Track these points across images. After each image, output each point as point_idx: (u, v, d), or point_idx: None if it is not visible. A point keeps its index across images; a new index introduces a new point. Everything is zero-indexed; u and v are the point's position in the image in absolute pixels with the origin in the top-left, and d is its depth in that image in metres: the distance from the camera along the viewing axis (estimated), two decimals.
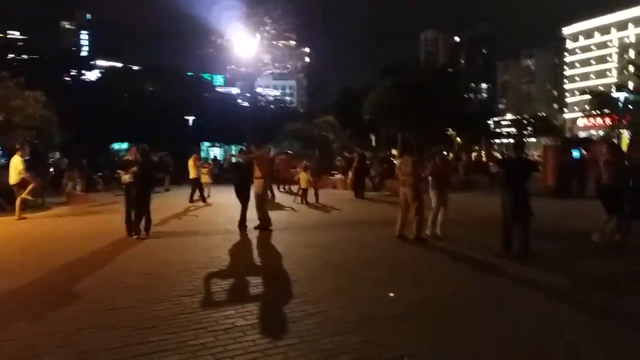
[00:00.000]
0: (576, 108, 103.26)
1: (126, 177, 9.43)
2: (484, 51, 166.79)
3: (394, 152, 31.91)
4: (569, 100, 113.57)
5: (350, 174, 19.44)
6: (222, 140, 40.86)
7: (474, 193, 17.98)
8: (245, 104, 42.36)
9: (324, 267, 7.11)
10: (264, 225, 10.00)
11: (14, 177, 12.43)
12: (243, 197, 9.95)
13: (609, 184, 8.18)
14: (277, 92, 75.30)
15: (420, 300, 5.50)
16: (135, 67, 46.14)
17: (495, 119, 50.22)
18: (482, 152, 33.00)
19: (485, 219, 11.04)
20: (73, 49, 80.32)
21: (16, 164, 12.44)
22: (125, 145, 42.45)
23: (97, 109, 33.78)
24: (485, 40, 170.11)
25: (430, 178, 9.45)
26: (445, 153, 11.16)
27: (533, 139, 55.47)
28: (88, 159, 23.82)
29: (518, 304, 5.48)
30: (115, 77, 43.40)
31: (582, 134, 55.49)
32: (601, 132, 47.35)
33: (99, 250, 8.46)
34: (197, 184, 15.81)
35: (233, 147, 46.65)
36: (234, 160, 15.33)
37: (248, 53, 26.64)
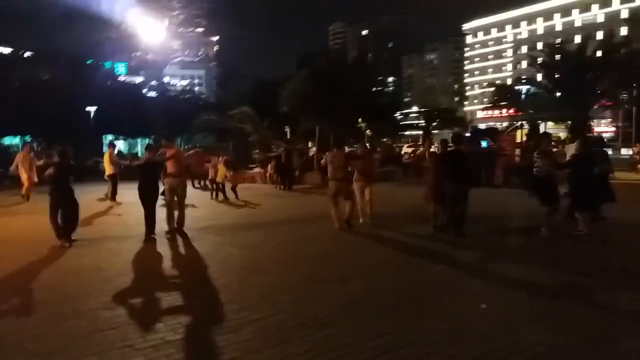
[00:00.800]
0: (475, 101, 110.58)
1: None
2: (390, 45, 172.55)
3: (310, 144, 31.92)
4: (468, 93, 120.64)
5: (270, 167, 19.08)
6: (127, 133, 38.38)
7: (392, 183, 18.31)
8: (153, 94, 40.16)
9: (255, 269, 6.72)
10: (180, 227, 9.14)
11: None
12: (151, 199, 8.66)
13: (543, 175, 8.27)
14: (185, 82, 72.45)
15: (364, 294, 5.32)
16: (26, 54, 42.07)
17: (404, 111, 51.92)
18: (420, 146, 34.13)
19: (408, 208, 11.37)
20: None
21: None
22: (16, 140, 38.69)
23: None
24: (391, 34, 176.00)
25: (355, 170, 9.79)
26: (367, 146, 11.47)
27: (436, 131, 58.25)
28: None
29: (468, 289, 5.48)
30: (3, 64, 39.35)
31: (481, 126, 59.16)
32: (503, 124, 50.70)
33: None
34: (115, 180, 14.46)
35: (139, 141, 44.30)
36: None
37: (155, 39, 25.26)
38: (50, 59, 39.44)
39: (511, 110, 48.08)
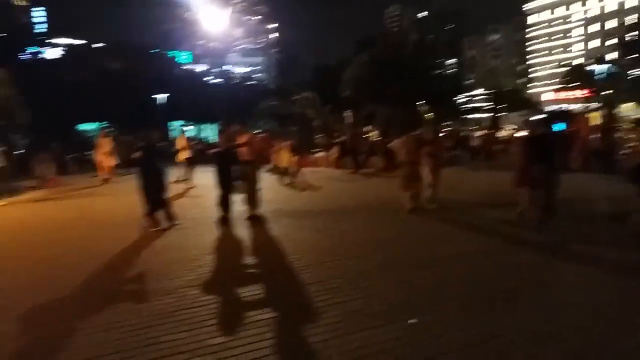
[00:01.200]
0: (542, 83, 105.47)
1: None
2: (449, 27, 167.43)
3: (370, 128, 31.56)
4: (533, 75, 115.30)
5: (334, 151, 19.09)
6: (193, 119, 39.55)
7: (460, 168, 17.82)
8: (217, 81, 41.07)
9: (330, 252, 6.68)
10: (256, 214, 9.16)
11: None
12: (227, 183, 8.78)
13: None
14: (247, 69, 73.56)
15: (448, 283, 5.18)
16: (98, 45, 44.07)
17: (468, 94, 50.03)
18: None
19: (483, 193, 11.05)
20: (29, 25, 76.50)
21: None
22: (93, 127, 40.91)
23: (60, 89, 32.22)
24: (450, 15, 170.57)
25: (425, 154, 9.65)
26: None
27: (503, 113, 55.86)
28: (57, 141, 22.70)
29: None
30: (78, 56, 41.41)
31: (552, 108, 56.44)
32: (575, 106, 48.09)
33: (86, 238, 7.86)
34: (190, 164, 15.02)
35: (204, 126, 45.55)
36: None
37: (218, 28, 25.66)
38: (120, 49, 41.17)
39: (585, 92, 45.41)
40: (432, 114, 42.13)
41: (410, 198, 9.31)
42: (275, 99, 28.34)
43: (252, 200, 9.09)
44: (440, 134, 12.23)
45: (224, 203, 8.70)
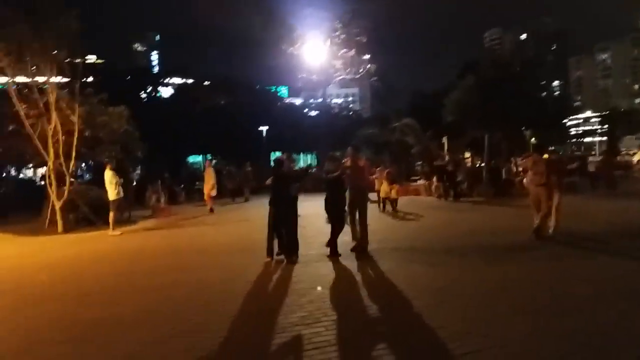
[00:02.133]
0: None
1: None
2: (553, 47, 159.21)
3: (467, 155, 30.22)
4: None
5: (434, 179, 18.34)
6: (292, 149, 40.71)
7: (582, 196, 16.24)
8: (313, 113, 42.09)
9: (449, 292, 6.10)
10: (363, 246, 8.62)
11: (112, 193, 12.38)
12: (337, 213, 8.39)
13: None
14: (344, 99, 74.97)
15: (599, 330, 4.40)
16: (206, 83, 47.14)
17: (577, 116, 46.57)
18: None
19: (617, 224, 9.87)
20: (148, 68, 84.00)
21: (110, 178, 12.39)
22: (199, 158, 43.40)
23: (172, 124, 34.47)
24: (553, 36, 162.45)
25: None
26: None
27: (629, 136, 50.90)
28: (167, 172, 24.15)
29: None
30: (187, 93, 44.42)
31: None
32: None
33: (200, 267, 7.92)
34: None
35: (302, 156, 46.59)
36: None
37: (317, 61, 26.17)
38: (224, 85, 43.58)
39: None
40: (534, 137, 39.63)
41: (540, 218, 9.06)
42: (373, 127, 28.21)
43: (361, 232, 8.67)
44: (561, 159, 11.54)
45: (335, 234, 8.35)
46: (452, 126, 21.81)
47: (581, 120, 79.32)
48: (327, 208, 8.49)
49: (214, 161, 33.49)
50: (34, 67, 12.92)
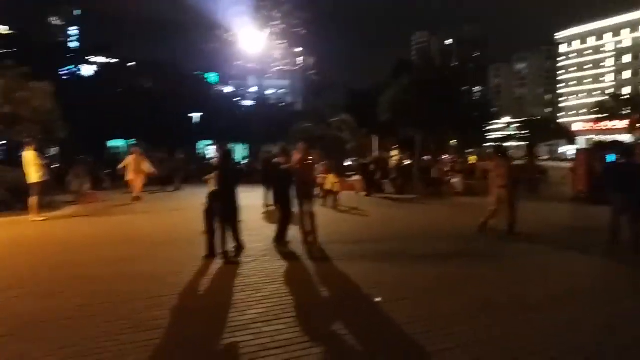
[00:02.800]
0: (572, 112, 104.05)
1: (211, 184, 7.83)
2: (475, 54, 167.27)
3: (394, 153, 31.03)
4: (563, 104, 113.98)
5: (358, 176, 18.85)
6: (225, 139, 39.61)
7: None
8: (246, 103, 41.29)
9: (407, 286, 6.14)
10: (315, 237, 8.48)
11: (33, 175, 11.34)
12: (287, 208, 8.32)
13: None
14: (280, 91, 74.13)
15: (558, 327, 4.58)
16: (131, 64, 44.86)
17: (496, 121, 49.01)
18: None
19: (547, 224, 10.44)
20: (65, 43, 78.58)
21: (32, 159, 11.35)
22: (122, 143, 41.16)
23: (93, 105, 32.47)
24: (476, 43, 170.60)
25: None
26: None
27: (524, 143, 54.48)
28: (90, 156, 22.66)
29: None
30: (111, 73, 42.06)
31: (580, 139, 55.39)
32: (601, 137, 46.96)
33: (133, 259, 7.43)
34: None
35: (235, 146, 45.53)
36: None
37: (253, 50, 25.71)
38: (151, 68, 41.71)
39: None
40: (454, 140, 41.42)
41: (489, 216, 9.76)
42: (308, 121, 28.10)
43: (313, 223, 8.54)
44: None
45: (286, 226, 8.24)
46: (385, 124, 22.19)
47: (500, 126, 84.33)
48: (277, 199, 8.34)
49: (137, 145, 31.94)
50: None
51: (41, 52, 35.93)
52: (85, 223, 11.49)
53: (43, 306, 5.17)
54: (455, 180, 19.50)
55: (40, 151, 11.89)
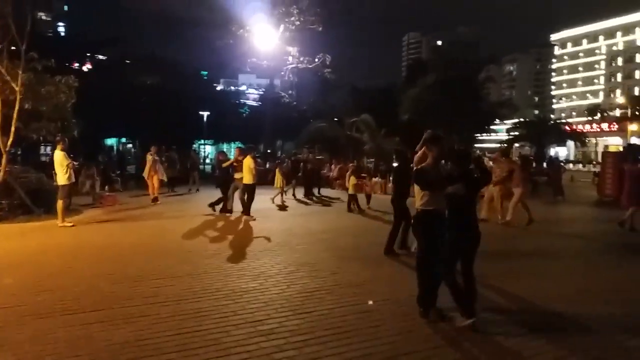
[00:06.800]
0: (563, 114, 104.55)
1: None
2: (467, 57, 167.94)
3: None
4: (555, 106, 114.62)
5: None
6: (218, 137, 38.64)
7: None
8: (250, 102, 40.52)
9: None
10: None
11: (62, 177, 10.55)
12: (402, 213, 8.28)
13: None
14: (290, 91, 72.78)
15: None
16: (130, 61, 43.81)
17: (507, 122, 48.25)
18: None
19: None
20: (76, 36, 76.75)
21: (61, 159, 10.56)
22: (112, 141, 39.78)
23: (95, 102, 31.39)
24: (467, 45, 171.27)
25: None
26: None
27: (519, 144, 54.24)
28: (106, 155, 21.79)
29: None
30: (109, 68, 41.05)
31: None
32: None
33: (204, 274, 6.69)
34: (251, 192, 12.26)
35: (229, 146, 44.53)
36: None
37: (269, 46, 25.08)
38: (153, 65, 40.72)
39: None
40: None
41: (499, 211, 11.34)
42: (321, 121, 27.40)
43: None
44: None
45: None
46: (407, 125, 21.66)
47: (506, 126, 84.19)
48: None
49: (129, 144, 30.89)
50: None
51: (53, 45, 34.63)
52: (117, 229, 10.68)
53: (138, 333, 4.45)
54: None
55: (67, 151, 11.00)
